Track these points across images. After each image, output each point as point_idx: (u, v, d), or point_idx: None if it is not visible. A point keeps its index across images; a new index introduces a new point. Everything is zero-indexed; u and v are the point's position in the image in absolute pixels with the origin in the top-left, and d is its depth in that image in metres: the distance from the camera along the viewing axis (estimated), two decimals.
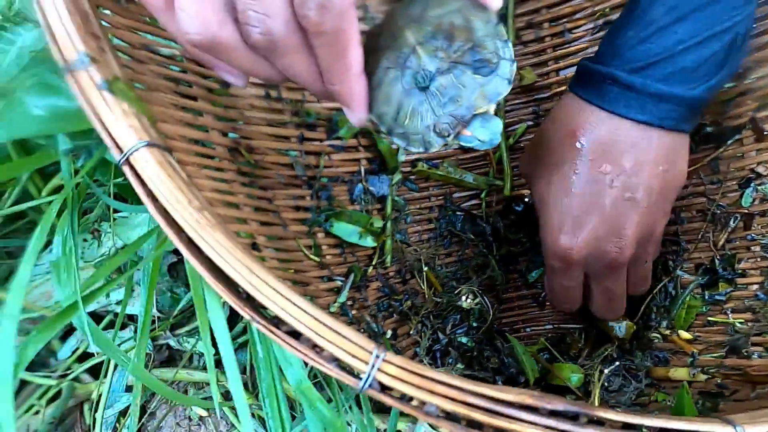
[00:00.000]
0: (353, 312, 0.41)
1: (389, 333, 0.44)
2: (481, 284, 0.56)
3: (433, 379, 0.18)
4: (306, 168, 0.43)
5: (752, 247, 0.42)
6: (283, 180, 0.40)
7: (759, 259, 0.41)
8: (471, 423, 0.18)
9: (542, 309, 0.58)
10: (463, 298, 0.54)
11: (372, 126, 0.31)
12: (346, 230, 0.43)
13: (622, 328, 0.47)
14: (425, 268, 0.53)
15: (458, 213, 0.56)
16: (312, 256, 0.38)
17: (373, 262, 0.46)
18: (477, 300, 0.54)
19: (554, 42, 0.53)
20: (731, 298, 0.42)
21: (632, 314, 0.49)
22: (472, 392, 0.18)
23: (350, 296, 0.42)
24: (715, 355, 0.39)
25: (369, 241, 0.44)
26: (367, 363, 0.18)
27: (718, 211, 0.44)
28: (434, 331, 0.50)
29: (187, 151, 0.28)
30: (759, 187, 0.41)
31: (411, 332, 0.49)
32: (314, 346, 0.18)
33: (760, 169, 0.41)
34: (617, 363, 0.45)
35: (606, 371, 0.46)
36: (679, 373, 0.40)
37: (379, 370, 0.18)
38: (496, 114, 0.28)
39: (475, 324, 0.53)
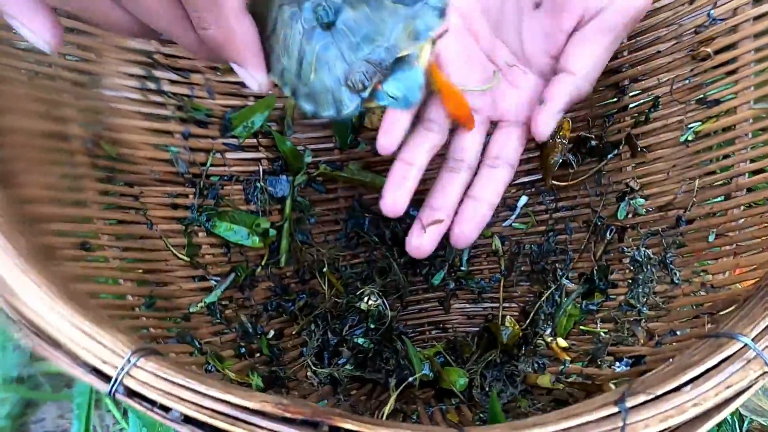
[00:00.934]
0: (227, 311, 0.41)
1: (271, 333, 0.44)
2: (386, 287, 0.56)
3: (180, 385, 0.18)
4: (191, 165, 0.43)
5: (623, 260, 0.43)
6: (157, 176, 0.39)
7: (627, 272, 0.42)
8: (215, 429, 0.18)
9: (447, 312, 0.58)
10: (365, 299, 0.54)
11: (276, 90, 0.24)
12: (228, 230, 0.43)
13: (507, 333, 0.48)
14: (326, 269, 0.53)
15: (366, 215, 0.56)
16: (180, 255, 0.38)
17: (262, 263, 0.46)
18: (378, 302, 0.54)
19: None
20: (602, 308, 0.43)
21: (522, 323, 0.50)
22: (216, 398, 0.18)
23: (228, 296, 0.42)
24: (579, 363, 0.40)
25: (255, 242, 0.44)
26: (116, 367, 0.18)
27: (599, 223, 0.45)
28: (325, 332, 0.50)
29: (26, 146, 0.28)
30: (631, 201, 0.42)
31: (302, 332, 0.49)
32: (59, 346, 0.18)
33: (633, 184, 0.42)
34: (498, 368, 0.46)
35: (488, 376, 0.46)
36: (543, 380, 0.41)
37: (128, 375, 0.18)
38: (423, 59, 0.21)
39: (373, 325, 0.53)
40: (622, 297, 0.42)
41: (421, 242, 0.36)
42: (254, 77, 0.21)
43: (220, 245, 0.44)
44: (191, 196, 0.42)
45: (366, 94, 0.21)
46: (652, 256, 0.39)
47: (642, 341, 0.35)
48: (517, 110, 0.36)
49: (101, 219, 0.32)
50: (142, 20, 0.19)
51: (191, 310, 0.37)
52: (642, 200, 0.42)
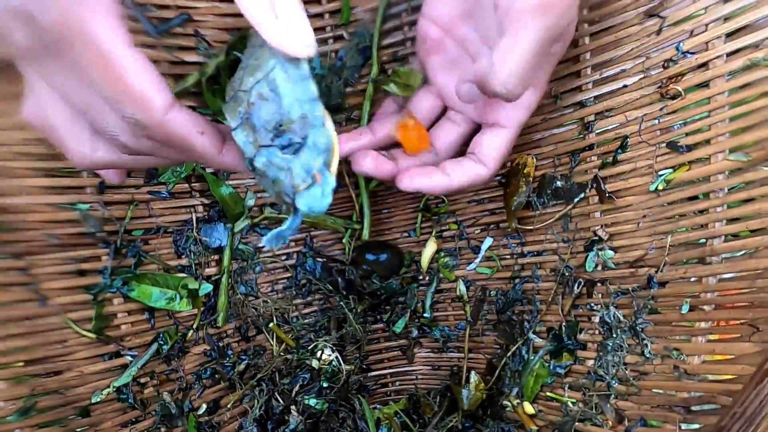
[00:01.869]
0: (146, 391, 0.36)
1: (203, 407, 0.39)
2: (343, 338, 0.51)
3: None
4: (106, 222, 0.38)
5: (592, 318, 0.38)
6: (57, 241, 0.34)
7: (596, 332, 0.37)
8: None
9: (411, 362, 0.54)
10: (318, 354, 0.50)
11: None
12: (147, 296, 0.38)
13: (469, 397, 0.43)
14: (273, 323, 0.48)
15: (318, 260, 0.51)
16: (83, 332, 0.33)
17: (195, 326, 0.41)
18: (333, 356, 0.49)
19: None
20: (571, 372, 0.39)
21: (489, 379, 0.46)
22: None
23: (149, 371, 0.37)
24: None
25: (182, 305, 0.39)
26: None
27: (567, 273, 0.41)
28: (270, 397, 0.45)
29: None
30: (600, 252, 0.38)
31: (243, 400, 0.44)
32: None
33: (601, 233, 0.38)
34: None
35: None
36: None
37: None
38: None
39: (326, 384, 0.48)
40: (591, 362, 0.37)
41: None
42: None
43: (140, 311, 0.39)
44: (104, 258, 0.37)
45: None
46: (622, 319, 0.34)
47: (610, 423, 0.31)
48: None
49: None
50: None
51: (94, 400, 0.32)
52: (611, 252, 0.37)
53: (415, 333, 0.53)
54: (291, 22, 0.21)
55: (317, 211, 0.24)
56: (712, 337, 0.28)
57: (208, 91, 0.42)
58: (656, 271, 0.33)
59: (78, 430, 0.29)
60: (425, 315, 0.52)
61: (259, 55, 0.24)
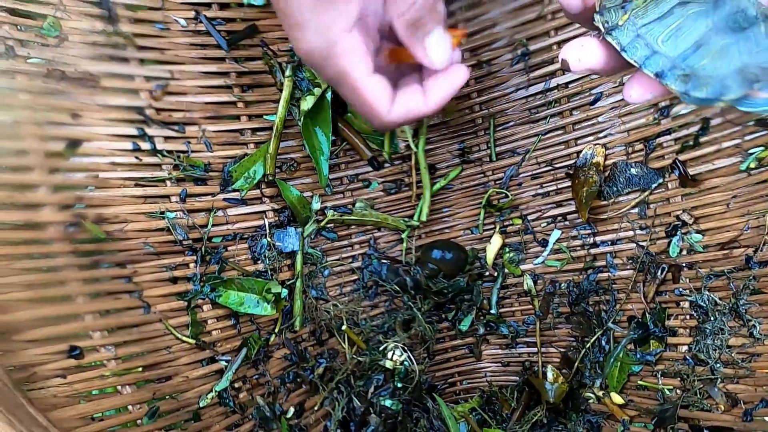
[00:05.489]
0: (241, 395, 0.36)
1: (291, 411, 0.40)
2: (411, 337, 0.51)
3: None
4: (190, 229, 0.38)
5: (681, 303, 0.38)
6: (152, 249, 0.35)
7: (687, 318, 0.37)
8: None
9: (479, 359, 0.53)
10: (389, 354, 0.50)
11: (630, 63, 0.26)
12: (236, 300, 0.38)
13: (553, 390, 0.43)
14: (345, 326, 0.48)
15: (383, 261, 0.52)
16: (184, 338, 0.34)
17: (276, 329, 0.42)
18: (404, 356, 0.49)
19: (475, 74, 0.49)
20: (662, 359, 0.38)
21: (566, 373, 0.45)
22: None
23: (240, 376, 0.37)
24: (641, 425, 0.35)
25: (266, 310, 0.40)
26: None
27: (647, 260, 0.41)
28: (350, 399, 0.45)
29: None
30: (685, 237, 0.38)
31: (324, 403, 0.44)
32: None
33: (685, 217, 0.38)
34: (545, 429, 0.41)
35: None
36: None
37: None
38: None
39: (400, 384, 0.48)
40: (685, 348, 0.37)
41: None
42: None
43: (227, 316, 0.39)
44: (192, 265, 0.38)
45: (755, 87, 0.24)
46: (719, 301, 0.34)
47: (723, 407, 0.30)
48: None
49: (90, 312, 0.28)
50: None
51: (201, 404, 0.32)
52: (698, 236, 0.37)
53: (481, 330, 0.53)
54: None
55: None
56: None
57: None
58: (755, 251, 0.33)
59: None
60: (491, 311, 0.52)
61: None
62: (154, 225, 0.36)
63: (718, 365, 0.33)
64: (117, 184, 0.34)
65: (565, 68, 0.27)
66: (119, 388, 0.27)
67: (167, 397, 0.30)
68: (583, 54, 0.26)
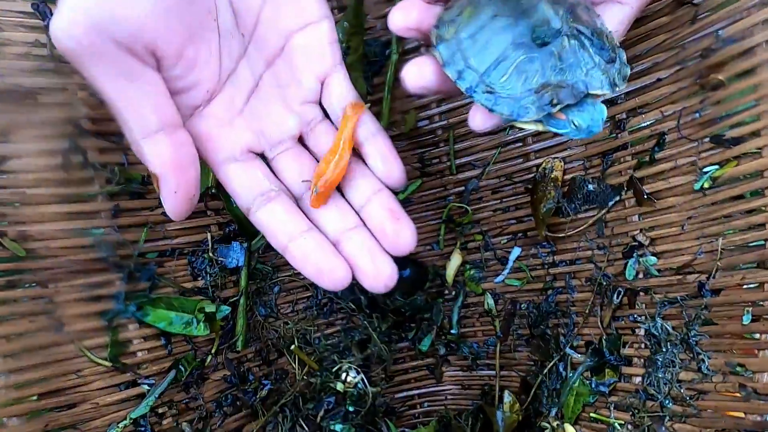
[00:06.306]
0: (165, 422, 0.34)
1: None
2: (367, 358, 0.49)
3: None
4: (119, 246, 0.37)
5: (636, 330, 0.35)
6: (73, 268, 0.33)
7: (642, 347, 0.34)
8: None
9: (440, 381, 0.51)
10: (343, 376, 0.47)
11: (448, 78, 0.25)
12: (164, 320, 0.36)
13: (504, 419, 0.40)
14: (294, 345, 0.46)
15: None
16: (98, 360, 0.32)
17: (213, 350, 0.40)
18: (357, 378, 0.47)
19: None
20: (615, 389, 0.36)
21: (524, 398, 0.43)
22: None
23: (166, 400, 0.35)
24: None
25: (199, 329, 0.38)
26: None
27: (604, 282, 0.38)
28: (294, 423, 0.43)
29: None
30: (641, 259, 0.35)
31: (264, 428, 0.42)
32: None
33: (641, 238, 0.35)
34: None
35: None
36: None
37: None
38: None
39: (352, 408, 0.46)
40: (638, 379, 0.34)
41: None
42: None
43: (156, 336, 0.37)
44: (118, 283, 0.36)
45: (553, 110, 0.23)
46: (671, 331, 0.32)
47: None
48: None
49: None
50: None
51: None
52: (653, 258, 0.34)
53: (442, 351, 0.50)
54: None
55: (592, 128, 0.23)
56: None
57: None
58: (708, 278, 0.30)
59: None
60: (452, 331, 0.50)
61: None
62: (77, 242, 0.35)
63: (668, 402, 0.30)
64: (43, 200, 0.33)
65: (404, 87, 0.26)
66: (4, 420, 0.25)
67: (66, 428, 0.28)
68: (418, 72, 0.25)
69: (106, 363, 0.32)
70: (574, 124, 0.23)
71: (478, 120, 0.25)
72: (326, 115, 0.30)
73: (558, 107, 0.23)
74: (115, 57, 0.21)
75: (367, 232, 0.27)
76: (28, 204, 0.33)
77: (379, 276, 0.26)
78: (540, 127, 0.24)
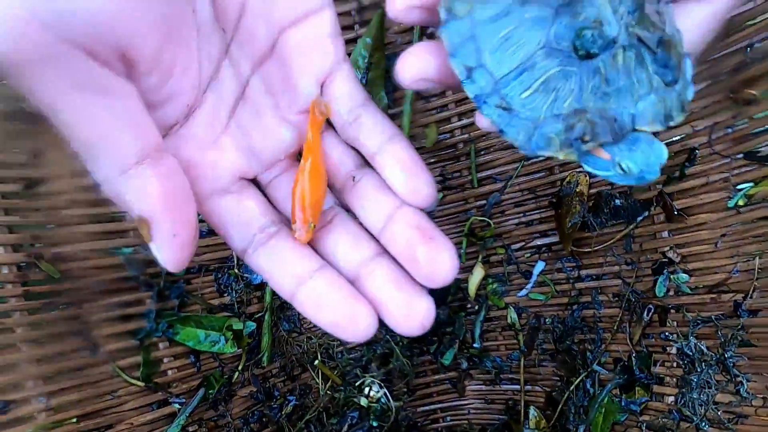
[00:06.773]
0: None
1: None
2: (389, 372, 0.49)
3: None
4: (147, 264, 0.37)
5: (668, 349, 0.35)
6: (104, 287, 0.34)
7: (674, 365, 0.34)
8: None
9: (462, 395, 0.51)
10: (366, 390, 0.47)
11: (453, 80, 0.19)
12: (195, 337, 0.37)
13: None
14: (318, 360, 0.46)
15: None
16: (132, 381, 0.32)
17: (240, 367, 0.40)
18: (380, 393, 0.47)
19: (455, 98, 0.47)
20: (647, 408, 0.35)
21: (550, 414, 0.42)
22: None
23: (196, 418, 0.35)
24: None
25: (228, 347, 0.38)
26: None
27: (633, 299, 0.38)
28: None
29: None
30: (672, 276, 0.35)
31: None
32: None
33: (672, 255, 0.35)
34: None
35: None
36: None
37: None
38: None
39: (375, 423, 0.46)
40: (671, 398, 0.33)
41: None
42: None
43: (185, 354, 0.38)
44: (148, 302, 0.37)
45: (584, 148, 0.17)
46: (706, 351, 0.31)
47: None
48: None
49: (30, 362, 0.27)
50: None
51: None
52: (685, 276, 0.34)
53: (464, 364, 0.50)
54: None
55: (645, 174, 0.17)
56: None
57: None
58: (744, 298, 0.30)
59: None
60: (475, 345, 0.49)
61: None
62: (108, 261, 0.35)
63: (704, 424, 0.30)
64: (73, 220, 0.34)
65: (398, 81, 0.19)
66: None
67: None
68: (416, 62, 0.19)
69: (139, 383, 0.33)
70: (621, 168, 0.17)
71: (485, 124, 0.19)
72: (329, 123, 0.23)
73: (590, 145, 0.17)
74: (73, 63, 0.15)
75: (391, 261, 0.21)
76: (61, 225, 0.34)
77: (413, 316, 0.20)
78: (572, 158, 0.18)
